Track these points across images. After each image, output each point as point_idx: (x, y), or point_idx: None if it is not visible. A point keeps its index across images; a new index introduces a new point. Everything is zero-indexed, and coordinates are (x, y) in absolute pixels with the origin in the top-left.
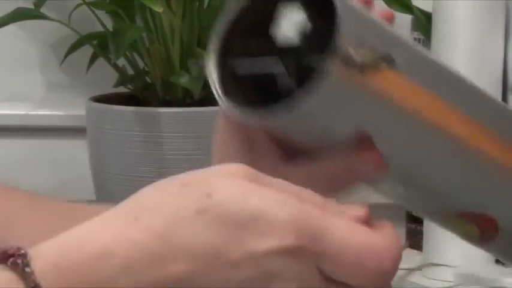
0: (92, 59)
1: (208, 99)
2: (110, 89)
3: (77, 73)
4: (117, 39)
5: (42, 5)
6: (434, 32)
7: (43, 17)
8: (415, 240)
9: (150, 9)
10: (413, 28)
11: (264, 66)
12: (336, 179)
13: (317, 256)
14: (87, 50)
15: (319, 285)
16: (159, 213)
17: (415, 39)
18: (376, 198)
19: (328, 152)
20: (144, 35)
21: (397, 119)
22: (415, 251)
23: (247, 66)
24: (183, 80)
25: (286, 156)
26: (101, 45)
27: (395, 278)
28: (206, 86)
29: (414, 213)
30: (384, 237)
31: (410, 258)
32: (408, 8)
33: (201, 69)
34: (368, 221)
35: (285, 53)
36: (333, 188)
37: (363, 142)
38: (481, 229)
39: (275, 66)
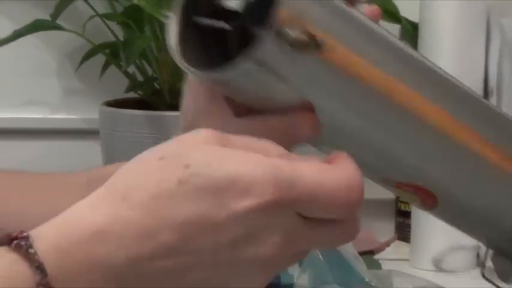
0: (105, 67)
1: None
2: (121, 94)
3: (90, 80)
4: (128, 48)
5: (58, 16)
6: (421, 41)
7: (59, 28)
8: (403, 233)
9: (158, 20)
10: (401, 37)
11: (217, 27)
12: (278, 137)
13: (294, 203)
14: (100, 59)
15: (300, 228)
16: (143, 190)
17: None
18: (366, 194)
19: (270, 111)
20: (153, 44)
21: (334, 89)
22: (403, 243)
23: (204, 25)
24: None
25: (237, 113)
26: (113, 53)
27: (386, 266)
28: None
29: (402, 208)
30: (346, 171)
31: (398, 249)
32: (396, 18)
33: None
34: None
35: (234, 18)
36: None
37: (300, 106)
38: (420, 198)
39: (226, 29)
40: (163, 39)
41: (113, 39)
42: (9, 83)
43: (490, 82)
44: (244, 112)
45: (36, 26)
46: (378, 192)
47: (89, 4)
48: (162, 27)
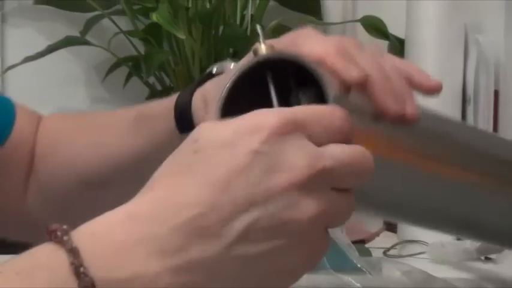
0: (128, 78)
1: None
2: (143, 102)
3: (115, 89)
4: (148, 61)
5: (86, 33)
6: (407, 55)
7: (87, 43)
8: (390, 224)
9: (175, 36)
10: (389, 52)
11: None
12: None
13: (298, 130)
14: (123, 70)
15: (329, 191)
16: (166, 173)
17: None
18: None
19: None
20: (170, 57)
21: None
22: (390, 233)
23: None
24: None
25: None
26: (135, 66)
27: (376, 254)
28: None
29: None
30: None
31: (386, 239)
32: (385, 35)
33: None
34: None
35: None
36: None
37: None
38: None
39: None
40: (179, 53)
41: (135, 53)
42: (44, 92)
43: (467, 91)
44: None
45: (67, 42)
46: None
47: (113, 22)
48: (178, 42)
